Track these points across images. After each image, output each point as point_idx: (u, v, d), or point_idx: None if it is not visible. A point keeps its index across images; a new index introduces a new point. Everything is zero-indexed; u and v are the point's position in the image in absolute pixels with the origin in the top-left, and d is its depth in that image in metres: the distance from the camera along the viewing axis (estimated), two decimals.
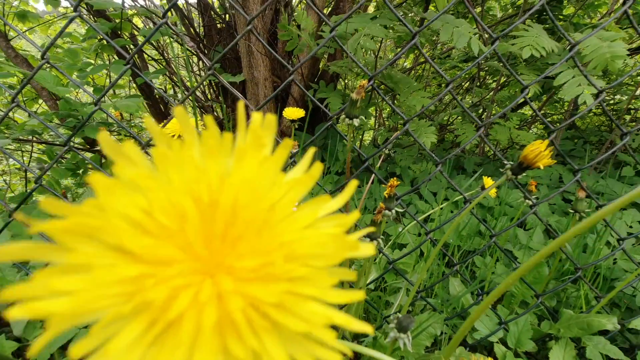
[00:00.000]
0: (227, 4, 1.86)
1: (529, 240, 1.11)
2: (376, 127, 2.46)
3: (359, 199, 1.32)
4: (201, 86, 1.99)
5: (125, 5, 1.57)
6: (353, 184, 0.15)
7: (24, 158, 1.73)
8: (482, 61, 1.95)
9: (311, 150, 0.16)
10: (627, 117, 2.37)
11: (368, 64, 1.47)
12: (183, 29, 1.88)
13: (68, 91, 1.04)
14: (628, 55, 1.15)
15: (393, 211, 0.52)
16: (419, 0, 1.86)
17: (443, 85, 2.48)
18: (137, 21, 2.34)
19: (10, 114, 1.75)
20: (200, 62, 2.09)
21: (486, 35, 2.15)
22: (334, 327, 0.12)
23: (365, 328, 0.12)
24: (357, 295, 0.13)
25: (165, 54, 2.03)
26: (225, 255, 0.12)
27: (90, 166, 1.72)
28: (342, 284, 0.80)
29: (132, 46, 1.77)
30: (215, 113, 1.98)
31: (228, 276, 0.12)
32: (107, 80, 1.85)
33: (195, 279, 0.12)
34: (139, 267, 0.11)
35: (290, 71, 0.54)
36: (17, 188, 2.31)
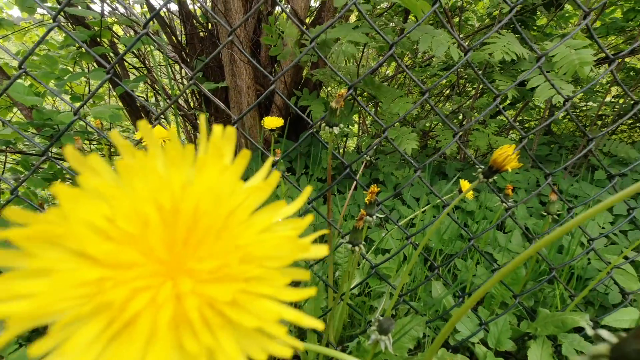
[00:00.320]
0: (210, 13, 1.86)
1: (508, 243, 1.14)
2: (360, 134, 2.49)
3: (343, 205, 1.33)
4: (184, 94, 1.98)
5: (105, 13, 1.55)
6: (307, 189, 0.17)
7: None
8: (461, 69, 2.01)
9: (269, 160, 0.16)
10: (600, 123, 2.47)
11: (350, 73, 1.50)
12: (165, 37, 1.87)
13: (38, 101, 1.02)
14: (595, 63, 1.20)
15: (374, 217, 0.54)
16: (400, 11, 1.91)
17: (430, 90, 2.53)
18: (117, 29, 2.31)
19: None
20: (183, 70, 2.08)
21: (466, 43, 2.21)
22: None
23: (315, 324, 0.13)
24: (307, 292, 0.14)
25: (147, 62, 2.01)
26: (186, 258, 0.13)
27: (68, 176, 1.68)
28: (326, 289, 0.80)
29: (112, 54, 1.75)
30: (198, 121, 1.97)
31: (188, 278, 0.13)
32: (86, 89, 1.82)
33: (155, 281, 0.12)
34: (99, 270, 0.12)
35: (272, 80, 0.54)
36: None
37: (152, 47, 1.87)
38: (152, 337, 0.12)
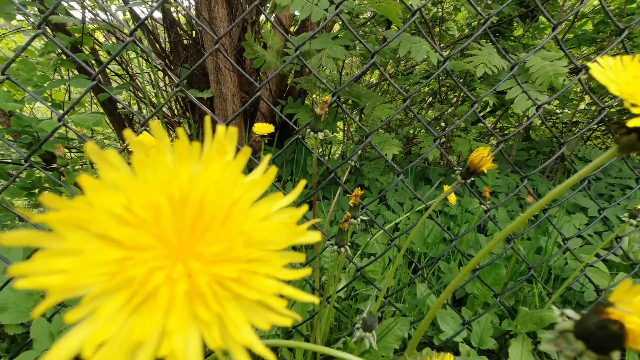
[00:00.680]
0: (194, 21, 1.86)
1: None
2: (345, 140, 2.52)
3: (329, 211, 1.34)
4: (168, 102, 1.97)
5: (87, 19, 1.54)
6: (301, 183, 0.18)
7: None
8: (443, 77, 2.06)
9: (267, 157, 0.18)
10: (575, 129, 2.58)
11: (334, 80, 1.52)
12: (148, 44, 1.86)
13: (19, 107, 1.01)
14: (570, 72, 1.26)
15: (359, 219, 0.55)
16: (382, 20, 1.96)
17: (411, 97, 2.58)
18: (99, 35, 2.28)
19: None
20: (167, 78, 2.07)
21: (446, 53, 2.28)
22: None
23: (311, 298, 0.15)
24: (303, 272, 0.16)
25: (129, 69, 1.99)
26: (194, 243, 0.15)
27: (47, 185, 1.64)
28: (313, 293, 0.81)
29: (93, 61, 1.72)
30: (182, 128, 1.96)
31: (196, 260, 0.15)
32: (66, 96, 1.79)
33: (168, 262, 0.14)
34: (120, 251, 0.14)
35: (257, 88, 0.56)
36: None
37: (136, 54, 1.86)
38: (170, 307, 0.13)
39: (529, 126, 2.71)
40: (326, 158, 2.08)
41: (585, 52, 2.53)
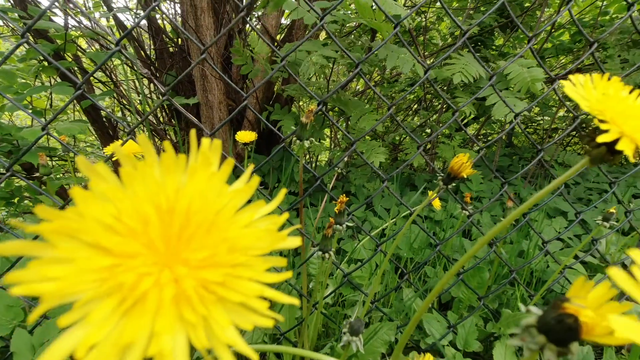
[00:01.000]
0: (180, 30, 1.86)
1: None
2: (332, 147, 2.54)
3: (316, 218, 1.35)
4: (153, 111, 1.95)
5: (70, 26, 1.52)
6: (282, 192, 0.19)
7: None
8: (427, 85, 2.10)
9: (250, 167, 0.19)
10: (555, 135, 2.66)
11: (321, 88, 1.54)
12: (133, 51, 1.85)
13: None
14: (546, 81, 1.31)
15: (344, 225, 0.56)
16: (367, 29, 1.99)
17: (395, 105, 2.63)
18: (82, 42, 2.25)
19: None
20: (151, 85, 2.05)
21: (429, 62, 2.33)
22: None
23: (292, 300, 0.16)
24: (284, 275, 0.17)
25: (113, 76, 1.97)
26: (181, 250, 0.16)
27: (27, 194, 1.59)
28: (301, 300, 0.81)
29: (76, 68, 1.70)
30: (168, 136, 1.94)
31: (183, 266, 0.16)
32: (47, 103, 1.76)
33: (156, 269, 0.15)
34: (110, 259, 0.15)
35: (244, 97, 0.56)
36: None
37: (120, 61, 1.84)
38: (158, 310, 0.14)
39: (512, 132, 2.79)
40: (313, 165, 2.09)
41: (563, 61, 2.62)
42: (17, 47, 0.47)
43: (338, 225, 0.55)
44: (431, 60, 2.22)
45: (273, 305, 0.80)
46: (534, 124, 2.91)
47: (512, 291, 1.00)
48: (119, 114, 2.36)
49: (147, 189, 0.16)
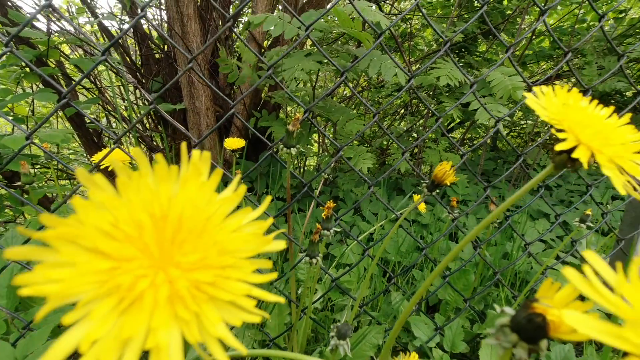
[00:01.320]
0: (166, 34, 1.85)
1: (460, 252, 1.23)
2: (320, 152, 2.56)
3: (304, 223, 1.35)
4: (139, 117, 1.93)
5: (53, 31, 1.50)
6: (267, 199, 0.20)
7: None
8: (413, 90, 2.14)
9: (237, 176, 0.20)
10: (538, 139, 2.73)
11: (308, 94, 1.55)
12: (118, 57, 1.83)
13: None
14: (526, 88, 1.35)
15: (331, 231, 0.57)
16: (352, 37, 2.02)
17: (381, 112, 2.66)
18: (65, 47, 2.22)
19: None
20: (137, 91, 2.04)
21: (414, 68, 2.38)
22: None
23: (277, 299, 0.17)
24: (270, 276, 0.18)
25: (98, 82, 1.95)
26: (174, 254, 0.17)
27: (8, 202, 1.56)
28: (290, 306, 0.82)
29: (59, 74, 1.68)
30: (154, 143, 1.92)
31: (176, 268, 0.17)
32: (29, 110, 1.72)
33: (151, 271, 0.16)
34: (109, 262, 0.16)
35: (231, 105, 0.57)
36: None
37: (105, 67, 1.82)
38: (154, 309, 0.16)
39: (496, 136, 2.85)
40: (301, 170, 2.10)
41: (544, 67, 2.71)
42: (2, 55, 0.47)
43: (325, 231, 0.56)
44: (417, 67, 2.26)
45: (262, 307, 0.80)
46: (517, 127, 2.99)
47: (497, 292, 1.03)
48: (104, 121, 2.33)
49: (142, 198, 0.17)
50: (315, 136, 2.55)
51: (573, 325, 0.15)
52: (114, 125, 2.06)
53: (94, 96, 1.85)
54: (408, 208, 0.53)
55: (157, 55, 1.88)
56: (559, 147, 0.24)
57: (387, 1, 2.47)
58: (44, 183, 1.90)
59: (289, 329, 0.71)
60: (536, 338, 0.22)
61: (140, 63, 1.89)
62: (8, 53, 0.47)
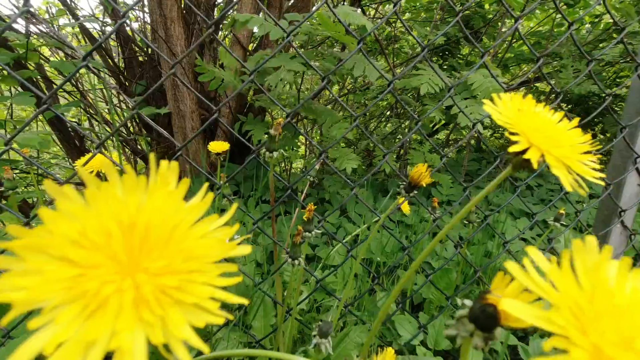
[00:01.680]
0: (151, 40, 1.84)
1: (443, 251, 1.25)
2: (307, 154, 2.57)
3: (290, 225, 1.36)
4: (122, 120, 1.90)
5: (31, 33, 1.47)
6: (234, 206, 0.21)
7: None
8: (399, 92, 2.17)
9: (205, 185, 0.21)
10: None
11: (293, 96, 1.56)
12: (99, 59, 1.81)
13: None
14: (506, 90, 1.39)
15: (313, 233, 0.58)
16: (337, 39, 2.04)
17: (367, 114, 2.69)
18: (44, 49, 2.18)
19: None
20: (121, 95, 2.01)
21: (399, 70, 2.41)
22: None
23: (241, 300, 0.18)
24: (234, 280, 0.19)
25: (80, 85, 1.92)
26: (141, 260, 0.18)
27: None
28: (275, 307, 0.82)
29: (39, 77, 1.64)
30: (139, 147, 1.90)
31: (143, 274, 0.17)
32: (6, 114, 1.68)
33: (118, 277, 0.17)
34: (76, 270, 0.16)
35: (214, 110, 0.58)
36: None
37: (86, 70, 1.79)
38: (119, 313, 0.16)
39: (480, 138, 2.91)
40: (287, 173, 2.10)
41: (525, 69, 2.78)
42: None
43: (307, 233, 0.57)
44: (401, 69, 2.29)
45: (248, 312, 0.81)
46: (500, 129, 3.05)
47: (478, 290, 1.05)
48: (86, 124, 2.29)
49: (110, 207, 0.18)
50: (302, 138, 2.56)
51: (510, 312, 0.17)
52: (96, 129, 2.03)
53: (75, 99, 1.82)
54: (387, 210, 0.55)
55: (140, 58, 1.86)
56: (512, 149, 0.26)
57: (372, 5, 2.50)
58: (23, 188, 1.85)
59: (274, 330, 0.71)
60: (490, 327, 0.23)
61: (123, 66, 1.86)
62: None
